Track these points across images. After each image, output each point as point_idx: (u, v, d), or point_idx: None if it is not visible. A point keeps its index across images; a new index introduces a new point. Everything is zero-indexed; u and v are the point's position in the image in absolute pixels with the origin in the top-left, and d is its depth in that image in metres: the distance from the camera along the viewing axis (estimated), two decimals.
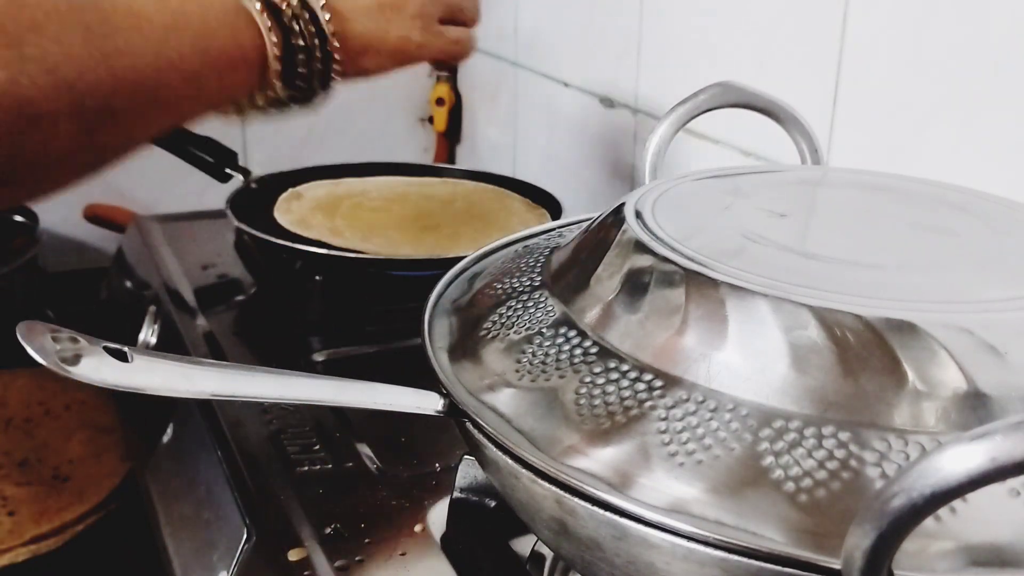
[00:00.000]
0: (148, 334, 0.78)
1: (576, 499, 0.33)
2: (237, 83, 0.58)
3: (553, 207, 0.88)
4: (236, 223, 0.80)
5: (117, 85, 0.48)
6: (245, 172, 0.89)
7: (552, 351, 0.38)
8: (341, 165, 0.98)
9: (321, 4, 0.61)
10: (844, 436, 0.31)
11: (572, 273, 0.42)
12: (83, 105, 0.46)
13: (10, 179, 0.45)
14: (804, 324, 0.33)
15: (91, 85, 0.46)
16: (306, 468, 0.56)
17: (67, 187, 0.51)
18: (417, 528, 0.51)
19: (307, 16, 0.60)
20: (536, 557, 0.48)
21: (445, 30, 0.71)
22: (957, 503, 0.29)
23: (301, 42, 0.59)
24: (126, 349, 0.38)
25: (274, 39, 0.58)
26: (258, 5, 0.57)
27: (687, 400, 0.34)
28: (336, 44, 0.61)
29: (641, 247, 0.39)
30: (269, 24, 0.57)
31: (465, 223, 0.85)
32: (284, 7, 0.59)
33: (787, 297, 0.34)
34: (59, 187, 0.51)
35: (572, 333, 0.39)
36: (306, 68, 0.60)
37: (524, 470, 0.35)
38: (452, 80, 1.23)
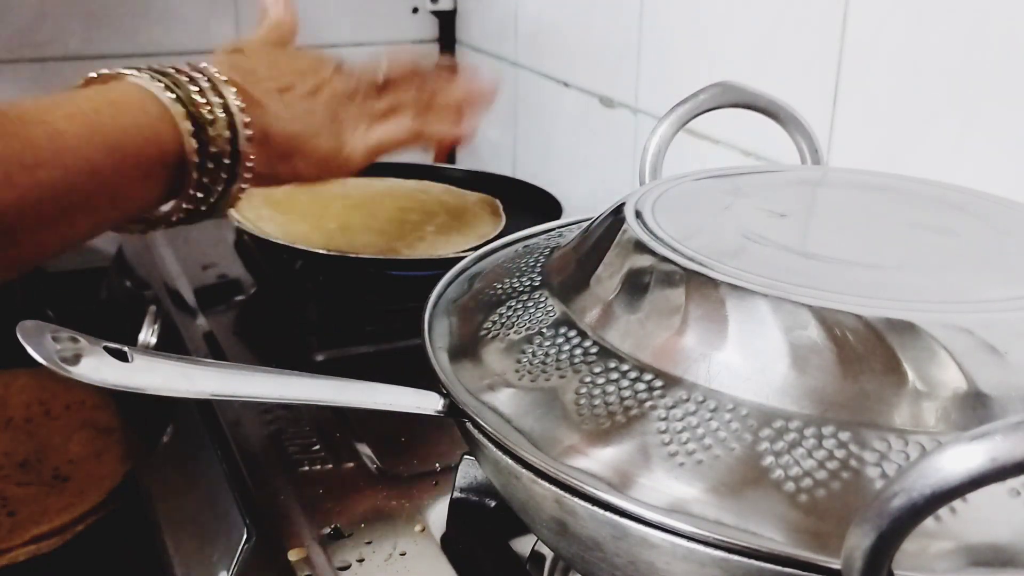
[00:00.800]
0: (148, 334, 0.78)
1: (576, 499, 0.33)
2: (155, 184, 0.53)
3: (553, 207, 0.88)
4: (236, 223, 0.80)
5: (22, 204, 0.46)
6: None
7: (552, 351, 0.38)
8: None
9: (233, 91, 0.54)
10: (844, 436, 0.31)
11: (572, 273, 0.42)
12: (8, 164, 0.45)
13: None
14: (804, 324, 0.33)
15: None
16: (306, 468, 0.56)
17: None
18: (417, 528, 0.51)
19: (220, 104, 0.54)
20: (536, 557, 0.48)
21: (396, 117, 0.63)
22: (957, 503, 0.29)
23: (215, 134, 0.54)
24: (126, 349, 0.38)
25: (189, 128, 0.53)
26: (171, 96, 0.53)
27: (687, 400, 0.34)
28: (248, 138, 0.55)
29: (641, 247, 0.39)
30: (186, 121, 0.53)
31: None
32: (195, 94, 0.53)
33: (787, 297, 0.34)
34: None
35: (572, 333, 0.39)
36: (217, 166, 0.54)
37: (524, 470, 0.35)
38: None
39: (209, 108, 0.53)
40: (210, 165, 0.54)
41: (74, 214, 0.50)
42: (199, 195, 0.55)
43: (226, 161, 0.54)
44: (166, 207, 0.56)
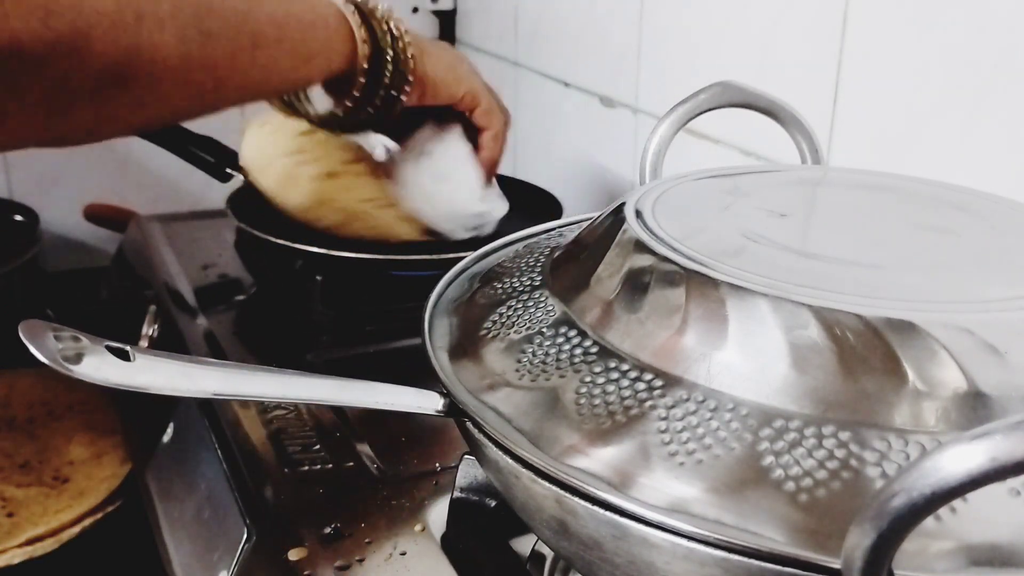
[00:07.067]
0: (149, 334, 0.78)
1: (576, 499, 0.33)
2: (318, 50, 0.62)
3: (553, 207, 0.88)
4: (236, 223, 0.80)
5: (211, 6, 0.53)
6: (245, 172, 0.89)
7: (552, 351, 0.38)
8: None
9: (405, 31, 0.67)
10: (844, 436, 0.31)
11: (572, 273, 0.42)
12: (183, 12, 0.51)
13: (127, 77, 0.49)
14: (804, 324, 0.33)
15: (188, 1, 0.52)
16: (306, 468, 0.56)
17: (178, 111, 0.56)
18: (417, 528, 0.51)
19: (391, 30, 0.66)
20: (536, 557, 0.48)
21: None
22: (957, 503, 0.29)
23: (389, 51, 0.65)
24: (128, 348, 0.38)
25: (363, 35, 0.64)
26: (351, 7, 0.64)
27: (687, 400, 0.34)
28: (412, 64, 0.67)
29: (641, 247, 0.39)
30: (359, 22, 0.64)
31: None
32: (372, 17, 0.65)
33: (787, 297, 0.34)
34: (171, 107, 0.55)
35: (572, 333, 0.39)
36: (387, 78, 0.66)
37: (524, 470, 0.35)
38: None
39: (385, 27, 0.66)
40: (386, 63, 0.65)
41: (251, 41, 0.57)
42: (361, 100, 0.66)
43: (398, 65, 0.66)
44: (327, 105, 0.68)
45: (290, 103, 0.72)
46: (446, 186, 0.76)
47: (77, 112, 0.50)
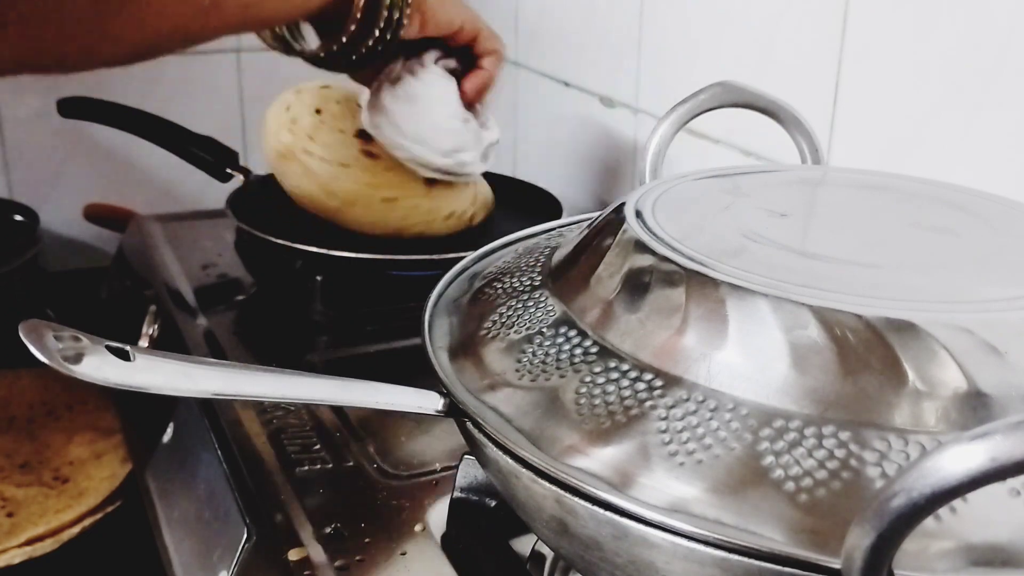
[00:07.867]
0: (149, 333, 0.78)
1: (576, 499, 0.33)
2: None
3: (553, 207, 0.88)
4: (236, 223, 0.80)
5: None
6: (245, 172, 0.89)
7: (552, 351, 0.38)
8: None
9: None
10: (844, 436, 0.31)
11: (572, 273, 0.42)
12: None
13: None
14: (804, 324, 0.33)
15: None
16: (306, 468, 0.56)
17: (177, 29, 0.55)
18: (417, 528, 0.51)
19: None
20: (536, 557, 0.48)
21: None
22: (957, 503, 0.29)
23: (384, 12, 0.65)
24: (128, 348, 0.38)
25: None
26: None
27: (687, 400, 0.34)
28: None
29: (641, 247, 0.39)
30: None
31: None
32: None
33: (787, 297, 0.34)
34: (170, 23, 0.54)
35: (572, 333, 0.39)
36: (387, 3, 0.65)
37: (524, 470, 0.35)
38: None
39: None
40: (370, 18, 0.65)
41: None
42: (353, 38, 0.66)
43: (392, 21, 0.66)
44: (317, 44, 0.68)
45: (285, 40, 0.71)
46: (416, 107, 0.74)
47: (76, 29, 0.50)
